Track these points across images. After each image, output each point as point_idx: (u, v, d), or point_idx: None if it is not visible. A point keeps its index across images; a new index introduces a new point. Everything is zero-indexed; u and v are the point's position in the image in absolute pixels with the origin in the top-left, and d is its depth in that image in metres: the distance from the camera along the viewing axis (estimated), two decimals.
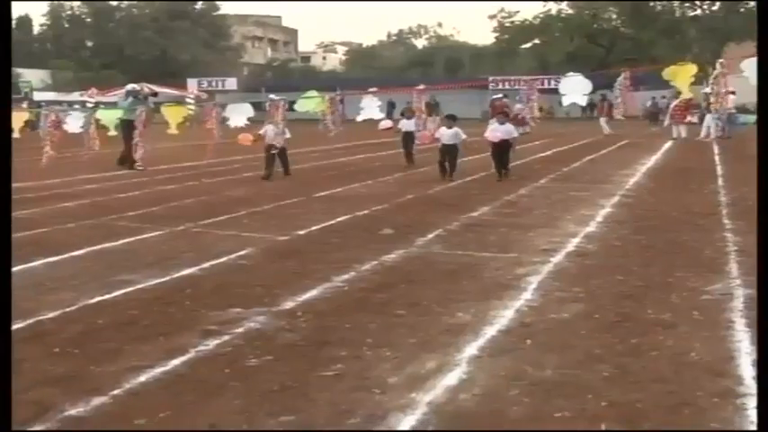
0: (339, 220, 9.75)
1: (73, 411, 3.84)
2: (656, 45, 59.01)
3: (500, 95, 32.95)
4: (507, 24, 67.89)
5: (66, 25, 73.18)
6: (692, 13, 60.18)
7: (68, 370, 4.44)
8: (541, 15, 65.59)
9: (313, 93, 17.48)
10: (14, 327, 5.16)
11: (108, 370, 4.42)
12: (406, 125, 17.79)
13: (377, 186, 13.58)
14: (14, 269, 6.95)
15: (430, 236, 8.57)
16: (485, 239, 8.35)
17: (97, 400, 3.97)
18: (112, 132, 17.59)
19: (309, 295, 6.05)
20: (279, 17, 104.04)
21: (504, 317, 5.35)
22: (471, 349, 4.66)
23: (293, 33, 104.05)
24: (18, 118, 16.00)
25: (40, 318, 5.52)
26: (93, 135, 16.56)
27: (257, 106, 17.09)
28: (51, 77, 62.28)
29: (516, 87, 37.32)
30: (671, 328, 5.01)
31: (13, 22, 79.70)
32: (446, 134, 14.51)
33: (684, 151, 21.60)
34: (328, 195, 12.36)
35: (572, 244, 7.95)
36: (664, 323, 5.11)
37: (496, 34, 69.35)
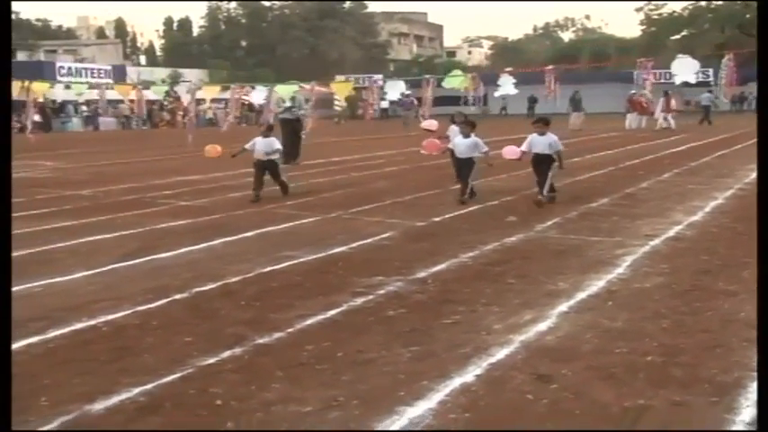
0: (470, 209, 11.04)
1: (260, 341, 5.30)
2: None
3: (633, 91, 33.12)
4: (655, 17, 67.20)
5: (223, 27, 76.98)
6: None
7: (253, 316, 5.93)
8: (690, 7, 64.60)
9: (458, 72, 19.14)
10: (207, 287, 6.78)
11: (282, 316, 5.88)
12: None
13: (509, 180, 14.77)
14: (201, 246, 8.68)
15: (549, 222, 9.79)
16: (596, 226, 9.51)
17: (276, 335, 5.43)
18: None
19: (438, 268, 7.41)
20: (425, 14, 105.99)
21: (595, 285, 6.57)
22: (562, 307, 5.92)
23: (438, 29, 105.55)
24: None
25: (227, 281, 7.06)
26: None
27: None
28: (209, 76, 65.86)
29: (662, 81, 37.49)
30: (732, 296, 6.11)
31: (174, 25, 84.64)
32: (461, 145, 11.96)
33: None
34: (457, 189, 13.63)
35: (673, 230, 9.03)
36: (727, 292, 6.21)
37: (643, 27, 68.77)
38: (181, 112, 52.47)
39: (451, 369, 4.63)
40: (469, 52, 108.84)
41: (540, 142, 11.46)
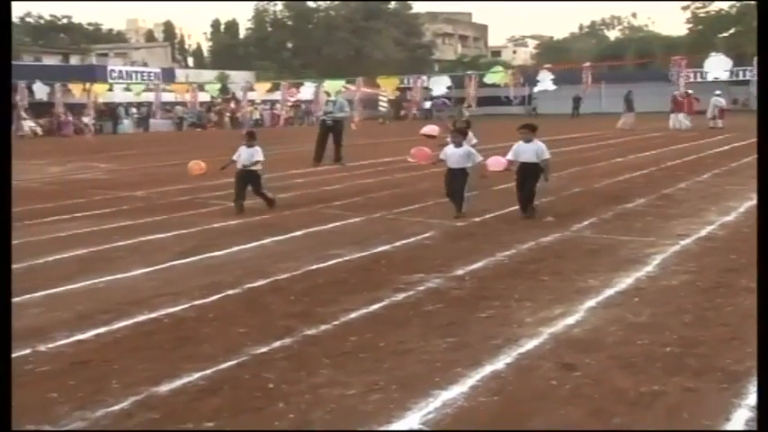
0: (511, 209, 11.39)
1: (308, 332, 5.75)
2: None
3: (676, 91, 32.97)
4: (702, 15, 66.75)
5: (269, 28, 77.85)
6: None
7: (302, 310, 6.39)
8: (738, 5, 64.06)
9: (498, 67, 19.63)
10: (258, 283, 7.26)
11: (328, 310, 6.33)
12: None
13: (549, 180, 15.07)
14: (252, 244, 9.17)
15: (585, 222, 10.16)
16: (630, 226, 9.86)
17: (323, 327, 5.88)
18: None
19: (476, 266, 7.82)
20: (469, 14, 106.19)
21: (624, 283, 6.95)
22: (591, 303, 6.31)
23: (483, 29, 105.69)
24: None
25: (277, 278, 7.53)
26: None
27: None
28: (255, 78, 66.72)
29: (699, 81, 37.34)
30: (754, 292, 6.40)
31: (222, 27, 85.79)
32: (453, 155, 11.04)
33: None
34: (506, 189, 13.98)
35: (705, 230, 9.35)
36: (750, 289, 6.53)
37: (690, 25, 68.34)
38: (228, 114, 53.48)
39: (484, 358, 5.05)
40: (514, 52, 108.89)
41: (526, 150, 10.66)
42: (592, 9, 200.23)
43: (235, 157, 12.43)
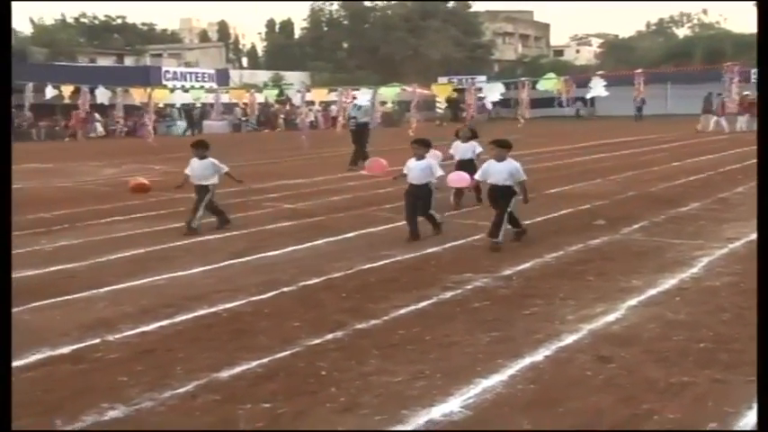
0: (562, 212, 11.78)
1: (359, 326, 6.24)
2: None
3: (747, 93, 32.43)
4: None
5: (325, 28, 78.73)
6: None
7: (353, 306, 6.89)
8: None
9: (551, 75, 20.00)
10: (312, 281, 7.78)
11: (379, 306, 6.82)
12: (461, 150, 12.78)
13: (603, 184, 15.43)
14: (306, 245, 9.69)
15: (635, 226, 10.53)
16: (681, 229, 10.21)
17: (373, 321, 6.38)
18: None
19: (523, 266, 8.26)
20: (530, 12, 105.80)
21: (667, 283, 7.35)
22: (632, 302, 6.73)
23: (545, 28, 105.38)
24: None
25: (330, 276, 8.05)
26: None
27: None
28: (310, 79, 67.51)
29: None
30: None
31: (277, 27, 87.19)
32: (414, 169, 10.17)
33: None
34: (557, 192, 14.39)
35: (755, 235, 9.60)
36: None
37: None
38: (283, 116, 54.28)
39: (524, 351, 5.50)
40: (578, 51, 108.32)
41: (497, 170, 9.56)
42: (660, 6, 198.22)
43: (187, 171, 11.29)
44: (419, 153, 10.18)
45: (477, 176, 10.20)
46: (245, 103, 34.49)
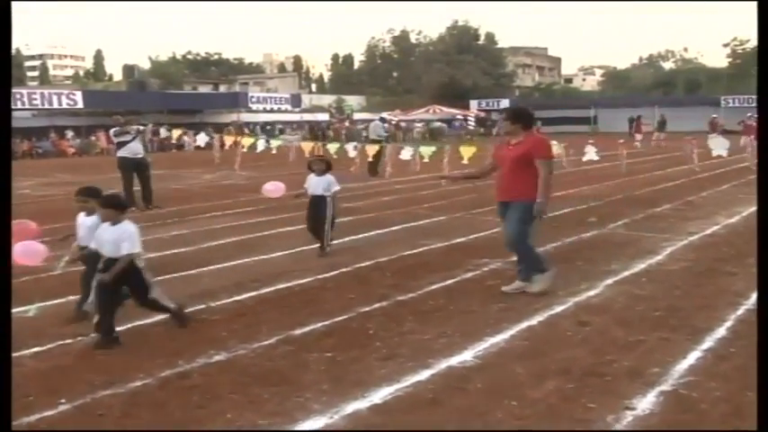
0: (563, 212, 12.10)
1: (399, 298, 6.70)
2: None
3: (750, 114, 31.10)
4: (739, 51, 66.68)
5: (379, 60, 79.27)
6: None
7: (395, 283, 7.34)
8: None
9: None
10: (364, 264, 8.24)
11: (415, 283, 7.27)
12: (314, 184, 9.27)
13: (599, 188, 15.67)
14: (360, 236, 10.12)
15: (619, 222, 10.84)
16: (655, 225, 10.52)
17: (410, 294, 6.83)
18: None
19: None
20: (545, 48, 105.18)
21: (638, 267, 7.71)
22: (609, 281, 7.12)
23: (557, 61, 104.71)
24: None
25: (378, 260, 8.50)
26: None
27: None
28: (366, 101, 67.94)
29: (746, 105, 36.83)
30: (733, 275, 7.17)
31: (340, 59, 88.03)
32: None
33: None
34: (559, 195, 14.60)
35: (711, 229, 9.98)
36: (730, 273, 7.28)
37: (730, 59, 68.17)
38: (344, 131, 54.89)
39: (523, 317, 5.93)
40: (584, 79, 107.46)
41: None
42: (650, 43, 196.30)
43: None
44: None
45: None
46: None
